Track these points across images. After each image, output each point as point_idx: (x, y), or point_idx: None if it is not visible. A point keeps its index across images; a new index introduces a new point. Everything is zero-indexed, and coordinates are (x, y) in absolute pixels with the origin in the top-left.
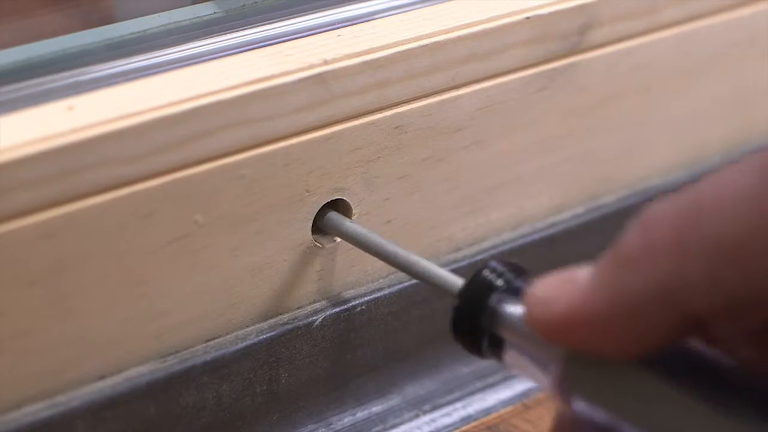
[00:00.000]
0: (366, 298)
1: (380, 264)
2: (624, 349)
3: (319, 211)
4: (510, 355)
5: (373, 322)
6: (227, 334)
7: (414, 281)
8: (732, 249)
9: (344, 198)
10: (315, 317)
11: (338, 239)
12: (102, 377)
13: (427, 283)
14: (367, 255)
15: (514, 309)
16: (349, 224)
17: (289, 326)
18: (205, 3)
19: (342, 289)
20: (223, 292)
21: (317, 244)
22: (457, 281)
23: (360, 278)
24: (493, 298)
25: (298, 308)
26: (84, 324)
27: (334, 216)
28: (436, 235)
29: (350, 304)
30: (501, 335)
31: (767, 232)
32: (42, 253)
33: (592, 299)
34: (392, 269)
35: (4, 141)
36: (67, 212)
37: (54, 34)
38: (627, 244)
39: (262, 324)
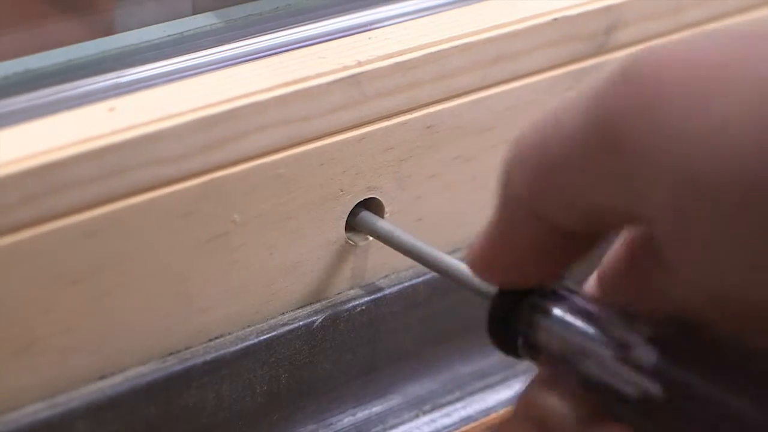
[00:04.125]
0: (366, 299)
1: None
2: (525, 278)
3: (352, 210)
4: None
5: (374, 322)
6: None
7: (414, 281)
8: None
9: (377, 197)
10: (315, 317)
11: (371, 237)
12: (102, 377)
13: (457, 283)
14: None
15: (555, 310)
16: (381, 223)
17: (289, 326)
18: (241, 5)
19: (371, 281)
20: (259, 289)
21: (350, 241)
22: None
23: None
24: (531, 300)
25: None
26: (124, 321)
27: (366, 215)
28: (465, 232)
29: (351, 304)
30: (537, 337)
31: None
32: (84, 252)
33: (488, 231)
34: (392, 269)
35: (48, 142)
36: (109, 212)
37: (95, 36)
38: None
39: (262, 324)
